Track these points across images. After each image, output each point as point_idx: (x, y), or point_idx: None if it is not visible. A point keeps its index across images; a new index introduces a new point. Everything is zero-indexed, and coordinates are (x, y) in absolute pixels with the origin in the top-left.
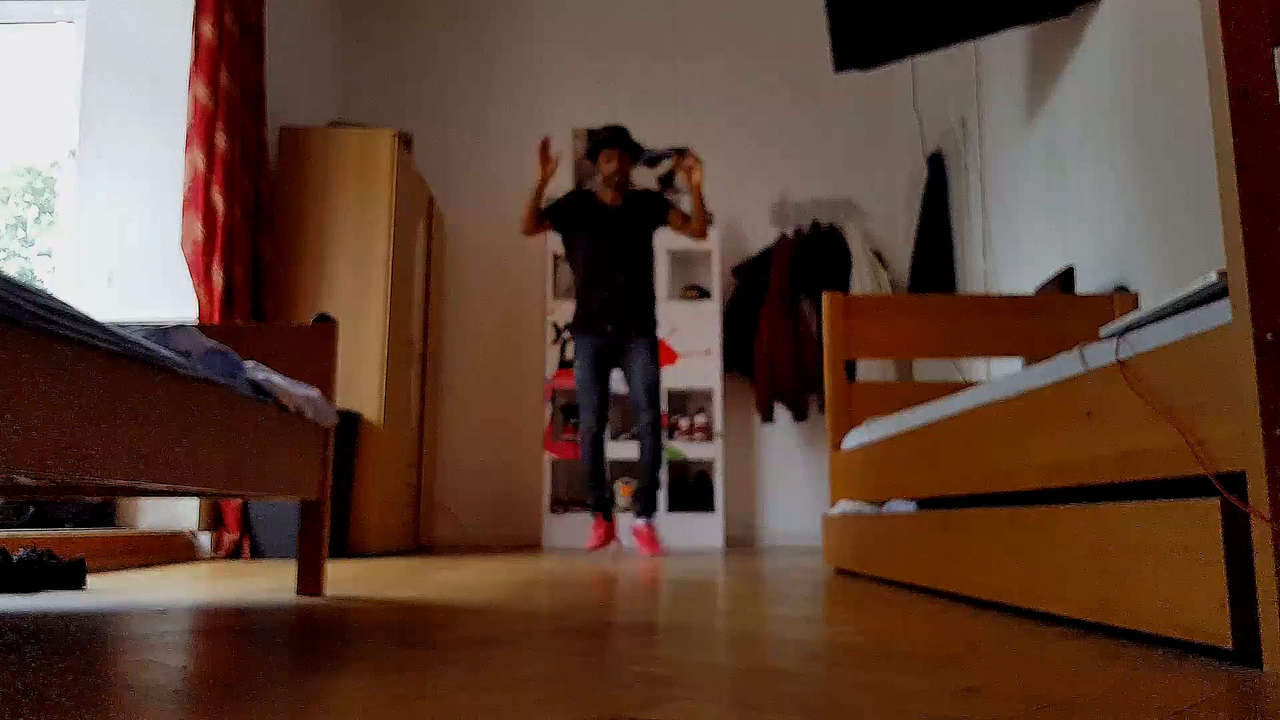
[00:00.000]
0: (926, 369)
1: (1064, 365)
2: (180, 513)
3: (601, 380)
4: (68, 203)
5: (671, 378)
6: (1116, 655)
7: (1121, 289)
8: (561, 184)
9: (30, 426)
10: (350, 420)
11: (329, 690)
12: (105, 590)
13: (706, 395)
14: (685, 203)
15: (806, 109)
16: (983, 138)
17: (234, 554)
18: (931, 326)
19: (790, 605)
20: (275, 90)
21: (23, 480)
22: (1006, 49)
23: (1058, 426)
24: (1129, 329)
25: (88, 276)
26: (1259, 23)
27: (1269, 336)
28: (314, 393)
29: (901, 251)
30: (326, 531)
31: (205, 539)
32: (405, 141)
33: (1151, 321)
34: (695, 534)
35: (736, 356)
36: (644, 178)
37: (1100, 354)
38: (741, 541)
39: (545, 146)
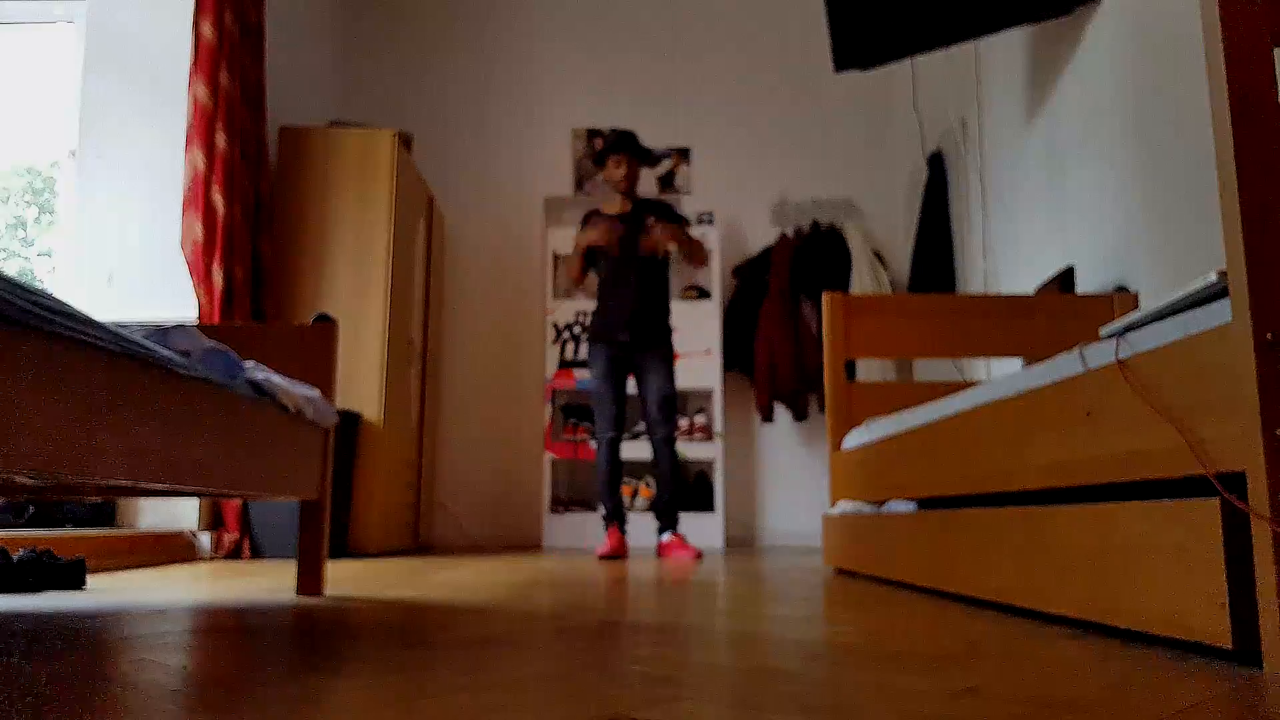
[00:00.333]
0: (926, 369)
1: (1064, 365)
2: (180, 513)
3: (618, 388)
4: (68, 203)
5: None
6: (1116, 655)
7: (1121, 289)
8: (562, 184)
9: (30, 426)
10: (350, 420)
11: (329, 690)
12: (105, 590)
13: (706, 395)
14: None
15: (806, 109)
16: (983, 138)
17: (234, 554)
18: (931, 326)
19: (790, 605)
20: (275, 90)
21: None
22: (1006, 49)
23: (1058, 426)
24: (1129, 329)
25: (88, 276)
26: (1259, 23)
27: (1269, 336)
28: (314, 393)
29: (901, 251)
30: (326, 531)
31: (205, 539)
32: (405, 141)
33: (1151, 321)
34: (695, 534)
35: (736, 356)
36: (645, 177)
37: (1100, 354)
38: (741, 541)
39: (604, 229)
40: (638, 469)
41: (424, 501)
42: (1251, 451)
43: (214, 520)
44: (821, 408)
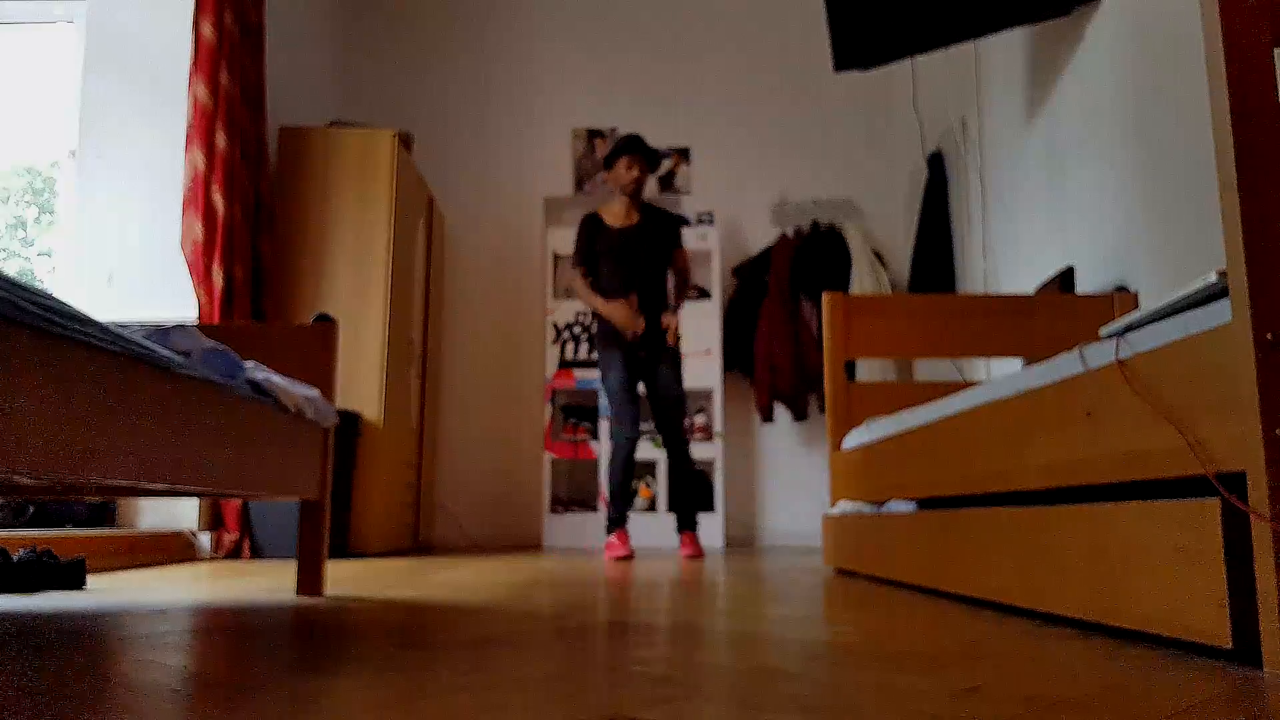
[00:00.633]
0: (926, 369)
1: (1064, 365)
2: (180, 513)
3: (635, 390)
4: (68, 203)
5: None
6: (1116, 655)
7: (1121, 289)
8: (562, 184)
9: (30, 426)
10: (350, 420)
11: (329, 690)
12: (105, 590)
13: (706, 395)
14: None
15: (806, 109)
16: (983, 138)
17: (234, 554)
18: (931, 326)
19: (790, 605)
20: (275, 90)
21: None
22: (1006, 49)
23: (1058, 426)
24: (1129, 329)
25: (88, 276)
26: (1259, 23)
27: (1269, 336)
28: (314, 393)
29: (901, 251)
30: (326, 531)
31: (205, 539)
32: (405, 141)
33: (1151, 321)
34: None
35: (736, 356)
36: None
37: (1100, 354)
38: (741, 541)
39: (627, 319)
40: (638, 468)
41: (424, 501)
42: (1251, 451)
43: (214, 520)
44: (821, 408)
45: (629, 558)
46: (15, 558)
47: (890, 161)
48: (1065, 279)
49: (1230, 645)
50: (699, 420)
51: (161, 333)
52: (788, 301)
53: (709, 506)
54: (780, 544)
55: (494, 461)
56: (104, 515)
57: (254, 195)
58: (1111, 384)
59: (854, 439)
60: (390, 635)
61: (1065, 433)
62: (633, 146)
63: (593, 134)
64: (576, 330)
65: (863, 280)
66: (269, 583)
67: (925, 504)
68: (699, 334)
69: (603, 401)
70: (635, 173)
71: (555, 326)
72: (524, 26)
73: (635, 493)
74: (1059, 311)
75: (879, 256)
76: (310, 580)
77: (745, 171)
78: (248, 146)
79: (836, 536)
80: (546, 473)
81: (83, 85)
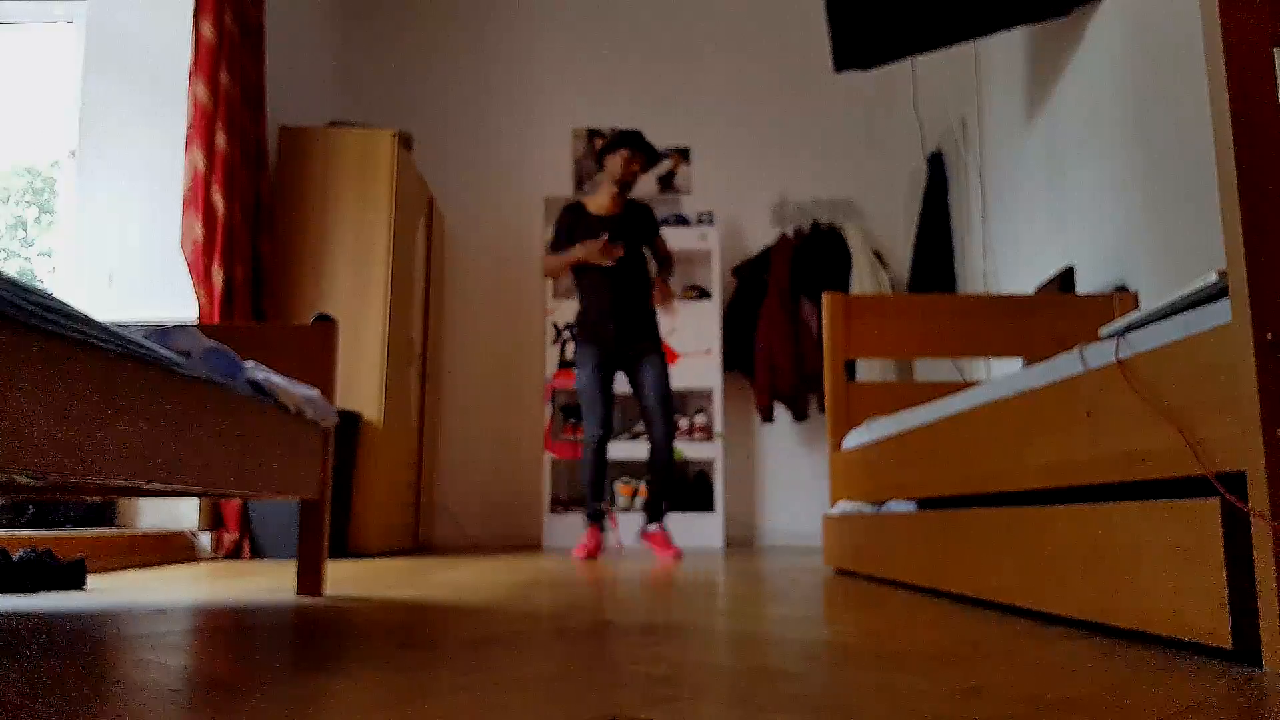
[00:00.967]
0: (926, 369)
1: (1064, 365)
2: (180, 513)
3: (607, 388)
4: (68, 203)
5: (672, 378)
6: (1116, 655)
7: (1121, 289)
8: (562, 184)
9: (30, 426)
10: (350, 420)
11: (329, 690)
12: (105, 590)
13: (706, 395)
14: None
15: (806, 109)
16: (983, 138)
17: (234, 554)
18: (931, 326)
19: (790, 605)
20: (275, 90)
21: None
22: (1006, 49)
23: (1058, 426)
24: (1129, 329)
25: (88, 276)
26: (1259, 23)
27: (1269, 336)
28: (314, 393)
29: (901, 251)
30: (326, 531)
31: (205, 539)
32: (405, 141)
33: (1151, 321)
34: (695, 534)
35: (736, 356)
36: (645, 177)
37: (1100, 354)
38: (741, 541)
39: (607, 251)
40: (639, 469)
41: (424, 501)
42: (1251, 451)
43: (214, 520)
44: (821, 408)
45: (592, 557)
46: (15, 558)
47: (890, 161)
48: (1065, 279)
49: (1230, 645)
50: (699, 420)
51: (161, 333)
52: (788, 301)
53: (690, 506)
54: (780, 544)
55: (494, 461)
56: (104, 515)
57: (254, 195)
58: (1111, 384)
59: (854, 439)
60: (390, 635)
61: (1065, 433)
62: (637, 142)
63: (593, 134)
64: (576, 330)
65: (863, 280)
66: (269, 583)
67: (925, 504)
68: (699, 334)
69: None
70: (635, 167)
71: (555, 326)
72: (524, 27)
73: (636, 492)
74: (1059, 311)
75: (879, 256)
76: (310, 580)
77: (745, 171)
78: (248, 146)
79: (836, 536)
80: (546, 473)
81: (83, 85)
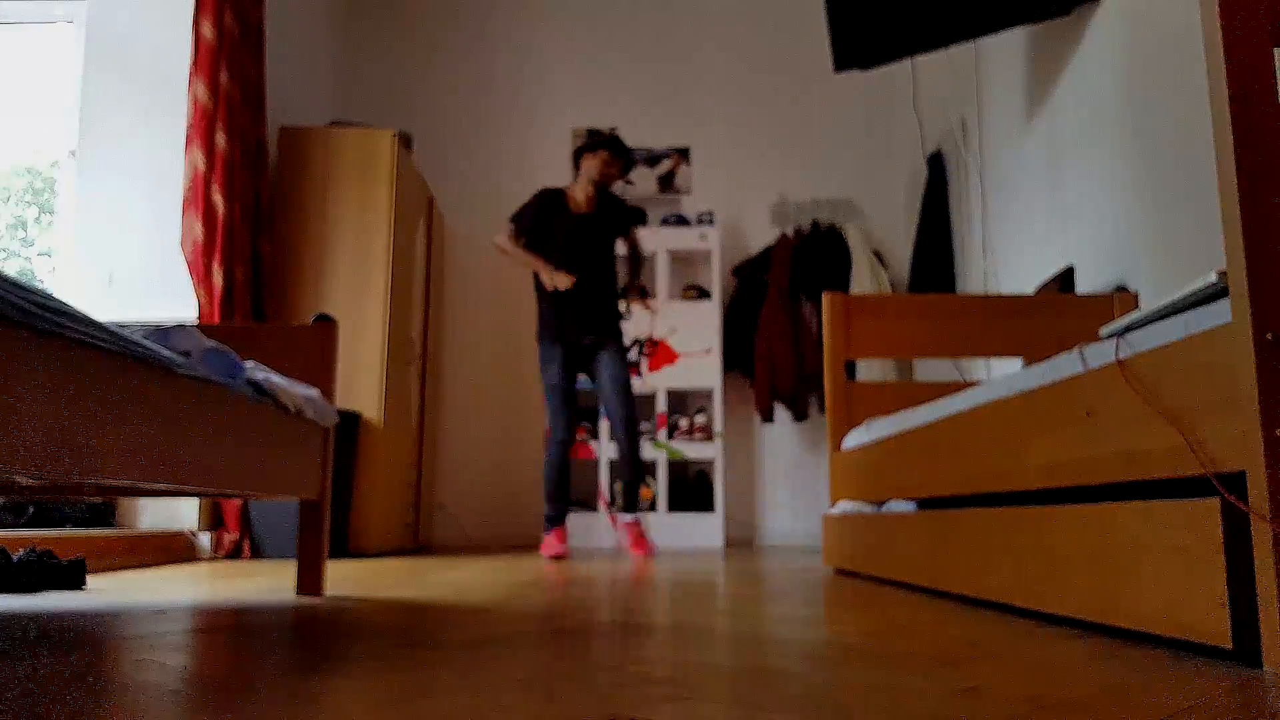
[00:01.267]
0: (926, 369)
1: (1064, 365)
2: (180, 513)
3: (572, 389)
4: (68, 203)
5: (672, 378)
6: (1116, 655)
7: (1121, 289)
8: (561, 184)
9: (30, 426)
10: (350, 420)
11: (329, 690)
12: (105, 590)
13: (706, 395)
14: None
15: (806, 109)
16: (983, 138)
17: (234, 554)
18: (931, 326)
19: (790, 605)
20: (275, 90)
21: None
22: (1006, 49)
23: (1058, 426)
24: (1129, 329)
25: (88, 276)
26: (1259, 23)
27: (1269, 336)
28: (314, 392)
29: (901, 251)
30: (326, 531)
31: (205, 539)
32: (405, 141)
33: (1151, 321)
34: (695, 534)
35: (736, 356)
36: (645, 177)
37: (1100, 354)
38: (741, 541)
39: (554, 278)
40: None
41: (424, 501)
42: (1251, 451)
43: (214, 520)
44: (821, 408)
45: (563, 557)
46: (15, 558)
47: (890, 161)
48: (1065, 279)
49: (1230, 645)
50: (699, 420)
51: (161, 333)
52: (788, 301)
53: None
54: (780, 544)
55: (494, 461)
56: (104, 515)
57: (254, 195)
58: (1111, 384)
59: (854, 439)
60: (390, 635)
61: (1065, 433)
62: (620, 149)
63: (593, 134)
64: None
65: (863, 280)
66: (269, 583)
67: (925, 504)
68: (699, 334)
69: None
70: (613, 170)
71: None
72: (524, 27)
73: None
74: (1059, 311)
75: (879, 256)
76: (310, 580)
77: (745, 171)
78: (248, 146)
79: (836, 536)
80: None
81: (83, 85)
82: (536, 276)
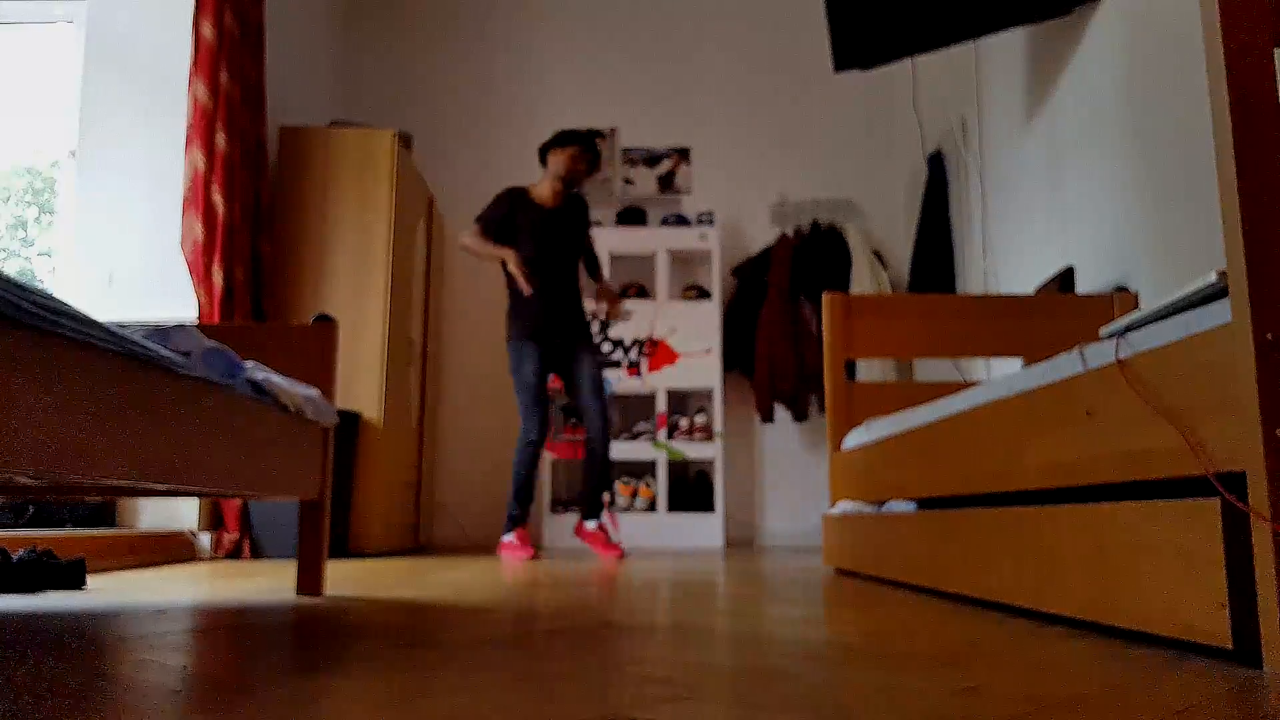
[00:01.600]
0: (926, 369)
1: (1064, 365)
2: (180, 513)
3: (544, 390)
4: (68, 203)
5: (671, 378)
6: (1116, 655)
7: (1121, 289)
8: None
9: (30, 426)
10: (350, 420)
11: (329, 690)
12: (105, 590)
13: (706, 395)
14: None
15: (806, 109)
16: (983, 138)
17: (234, 554)
18: (931, 326)
19: (790, 605)
20: (275, 90)
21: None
22: (1006, 49)
23: (1057, 426)
24: (1129, 329)
25: (88, 276)
26: (1259, 23)
27: (1269, 336)
28: (314, 393)
29: (901, 251)
30: (326, 531)
31: (205, 539)
32: (405, 141)
33: (1151, 321)
34: (695, 534)
35: (736, 356)
36: (644, 177)
37: (1100, 354)
38: (741, 542)
39: (524, 276)
40: (639, 468)
41: (424, 501)
42: (1251, 451)
43: (214, 520)
44: (821, 408)
45: (532, 558)
46: (15, 558)
47: (890, 161)
48: (1065, 279)
49: (1230, 645)
50: (699, 420)
51: (161, 333)
52: (788, 301)
53: (690, 506)
54: (780, 544)
55: (494, 461)
56: (104, 515)
57: (254, 195)
58: (1111, 384)
59: (854, 439)
60: (390, 635)
61: (1065, 433)
62: (591, 145)
63: (593, 134)
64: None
65: (863, 280)
66: (269, 583)
67: (925, 504)
68: (699, 334)
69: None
70: (581, 166)
71: None
72: (524, 27)
73: (636, 492)
74: (1059, 311)
75: (879, 256)
76: (310, 580)
77: (745, 171)
78: (248, 146)
79: (836, 536)
80: (546, 473)
81: (83, 85)
82: (510, 279)
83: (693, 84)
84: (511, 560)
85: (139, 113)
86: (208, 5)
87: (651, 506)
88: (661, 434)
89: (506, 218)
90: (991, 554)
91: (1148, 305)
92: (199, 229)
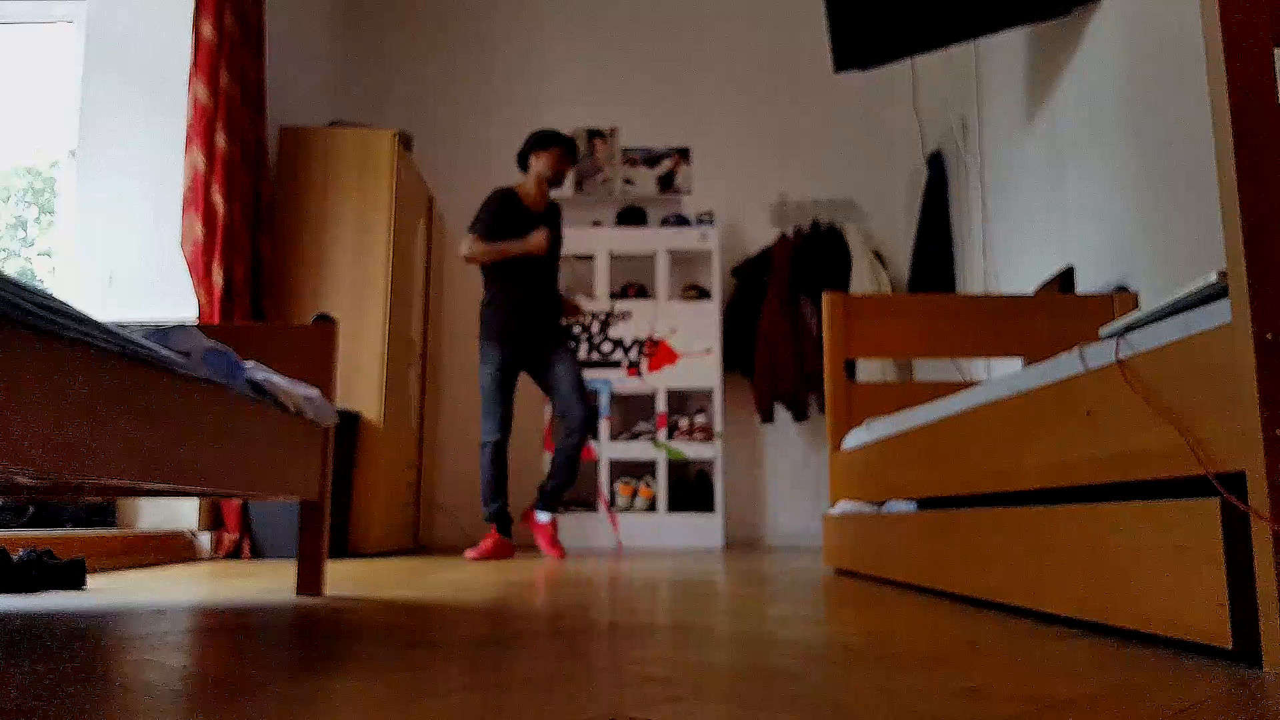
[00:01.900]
0: (926, 369)
1: (1064, 365)
2: (180, 513)
3: (509, 390)
4: (68, 203)
5: (672, 378)
6: (1116, 655)
7: (1121, 289)
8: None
9: (30, 426)
10: (350, 420)
11: (329, 690)
12: (105, 590)
13: (706, 395)
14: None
15: (806, 109)
16: (983, 138)
17: (234, 554)
18: (931, 326)
19: (790, 605)
20: (275, 90)
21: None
22: (1006, 49)
23: (1057, 426)
24: (1129, 329)
25: (88, 276)
26: (1259, 23)
27: (1269, 336)
28: (314, 393)
29: (901, 251)
30: (326, 531)
31: (205, 539)
32: (405, 141)
33: (1151, 321)
34: (695, 534)
35: (736, 356)
36: (644, 177)
37: (1100, 354)
38: (741, 541)
39: (543, 241)
40: (638, 468)
41: (424, 501)
42: (1251, 451)
43: (214, 520)
44: (821, 408)
45: (487, 559)
46: (15, 558)
47: (890, 161)
48: (1065, 279)
49: (1230, 645)
50: (699, 420)
51: (161, 333)
52: (787, 301)
53: (689, 506)
54: (780, 544)
55: None
56: (104, 515)
57: (254, 195)
58: (1111, 384)
59: (854, 439)
60: (390, 635)
61: (1065, 433)
62: (572, 146)
63: (593, 134)
64: (576, 330)
65: (863, 280)
66: (269, 583)
67: (925, 504)
68: (699, 334)
69: (602, 401)
70: (564, 168)
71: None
72: (524, 27)
73: (635, 492)
74: (1059, 311)
75: (879, 256)
76: (310, 580)
77: (745, 171)
78: (248, 146)
79: (836, 536)
80: (546, 471)
81: (83, 85)
82: (494, 271)
83: (693, 84)
84: (471, 558)
85: (139, 113)
86: (208, 5)
87: (651, 506)
88: (661, 434)
89: (499, 220)
90: (992, 554)
91: (1148, 305)
92: (199, 229)
